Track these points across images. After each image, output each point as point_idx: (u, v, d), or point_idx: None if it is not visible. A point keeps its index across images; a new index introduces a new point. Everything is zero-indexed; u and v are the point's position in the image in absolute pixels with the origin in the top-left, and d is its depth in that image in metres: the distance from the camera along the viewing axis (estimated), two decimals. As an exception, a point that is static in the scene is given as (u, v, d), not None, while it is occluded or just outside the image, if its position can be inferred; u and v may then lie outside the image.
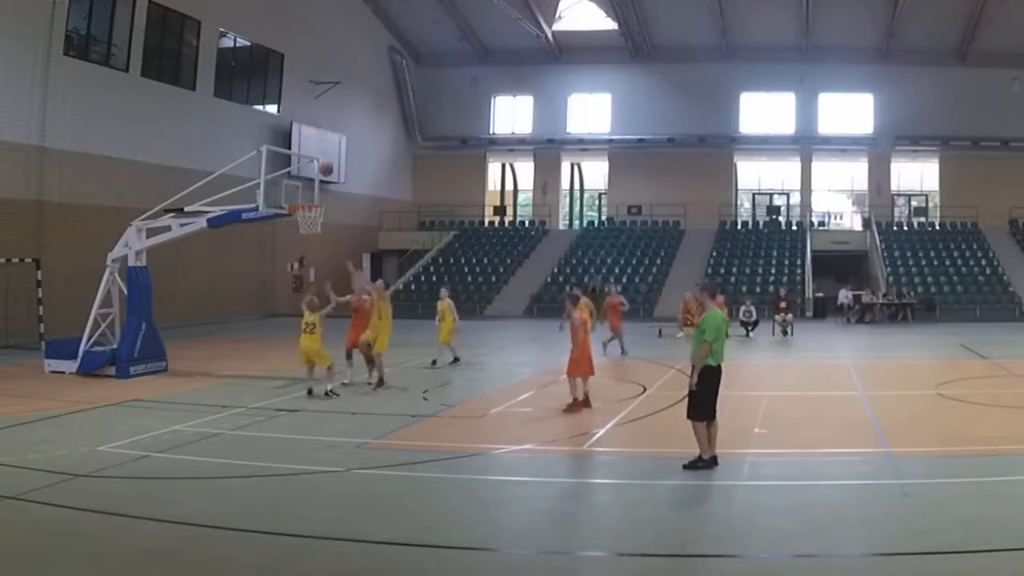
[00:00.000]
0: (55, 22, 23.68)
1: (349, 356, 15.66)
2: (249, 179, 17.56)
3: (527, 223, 43.10)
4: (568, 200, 45.28)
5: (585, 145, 42.98)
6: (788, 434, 11.34)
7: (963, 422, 12.17)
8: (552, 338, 24.43)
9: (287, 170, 20.51)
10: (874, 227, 38.00)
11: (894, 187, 41.20)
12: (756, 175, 43.58)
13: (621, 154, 42.15)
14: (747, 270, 36.07)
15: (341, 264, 37.89)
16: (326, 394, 14.11)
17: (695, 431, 9.51)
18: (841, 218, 43.75)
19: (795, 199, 42.18)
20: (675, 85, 40.50)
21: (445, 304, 18.50)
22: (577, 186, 45.55)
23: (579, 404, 13.02)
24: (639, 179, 41.15)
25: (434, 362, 18.06)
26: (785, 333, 25.53)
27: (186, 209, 17.57)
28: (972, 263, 35.32)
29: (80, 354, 16.93)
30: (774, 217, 41.47)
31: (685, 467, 9.40)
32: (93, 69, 25.32)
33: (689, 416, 9.55)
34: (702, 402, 9.43)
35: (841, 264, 36.65)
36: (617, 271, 36.27)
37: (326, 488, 9.04)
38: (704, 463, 9.43)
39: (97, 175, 24.88)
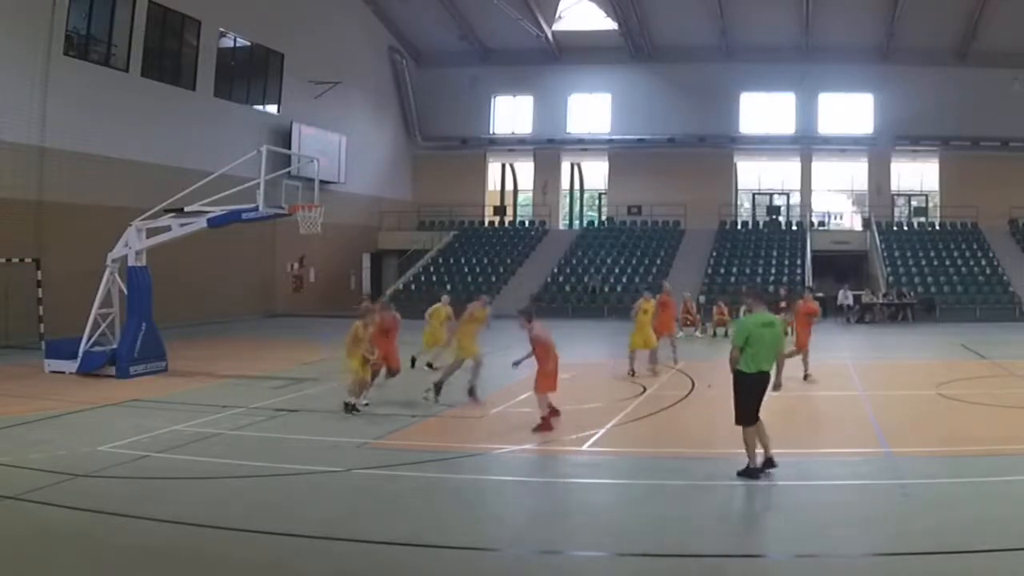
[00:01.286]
0: (55, 22, 23.69)
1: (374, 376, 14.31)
2: (249, 179, 17.56)
3: (527, 223, 43.09)
4: (568, 200, 45.28)
5: (585, 145, 42.96)
6: (788, 434, 11.33)
7: (963, 422, 12.17)
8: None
9: (287, 170, 20.51)
10: (874, 227, 37.99)
11: (894, 187, 41.18)
12: (756, 175, 43.57)
13: (621, 154, 42.14)
14: (747, 270, 36.05)
15: (341, 264, 38.06)
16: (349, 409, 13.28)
17: (743, 437, 9.14)
18: (841, 218, 43.76)
19: (795, 199, 42.16)
20: (675, 85, 40.49)
21: (449, 310, 17.56)
22: (577, 186, 45.55)
23: (549, 420, 11.82)
24: (639, 179, 41.13)
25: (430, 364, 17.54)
26: (785, 333, 25.47)
27: (186, 209, 17.57)
28: (972, 263, 35.30)
29: (80, 354, 16.92)
30: (774, 217, 41.46)
31: (739, 473, 9.09)
32: (93, 69, 25.32)
33: (736, 422, 9.22)
34: (738, 407, 9.13)
35: (841, 264, 36.65)
36: (617, 271, 36.30)
37: (326, 488, 9.04)
38: (750, 472, 9.05)
39: (97, 175, 24.87)
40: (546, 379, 11.94)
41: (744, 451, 9.13)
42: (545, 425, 11.69)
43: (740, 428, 9.11)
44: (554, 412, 12.01)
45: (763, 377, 9.14)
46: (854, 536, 7.39)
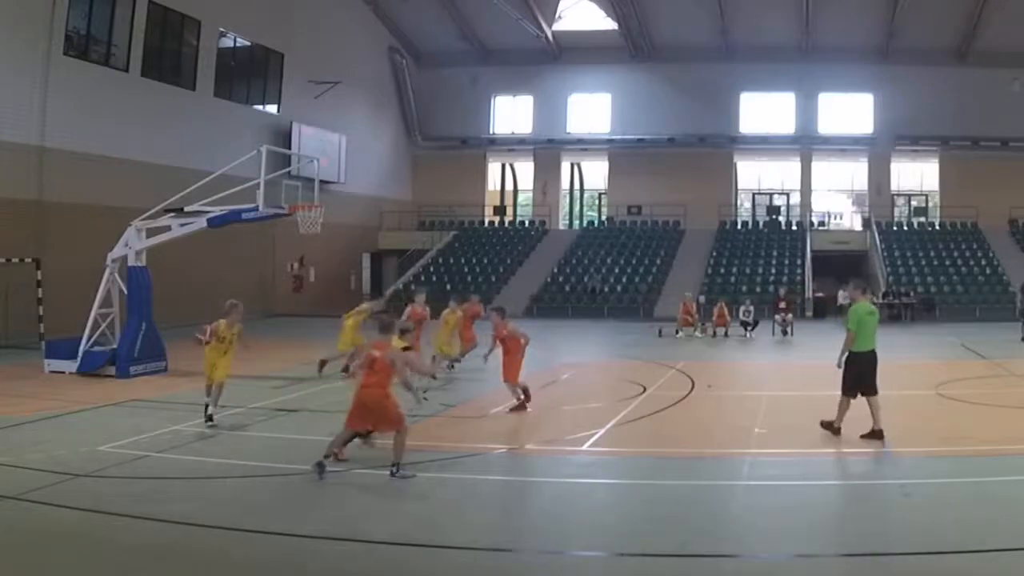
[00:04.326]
0: (55, 22, 23.68)
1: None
2: (249, 179, 17.57)
3: (527, 223, 43.08)
4: (568, 200, 45.28)
5: (585, 145, 42.96)
6: (788, 434, 11.34)
7: (963, 422, 12.17)
8: (552, 338, 24.45)
9: (287, 170, 20.53)
10: (874, 227, 38.00)
11: (894, 187, 41.18)
12: (756, 175, 43.57)
13: (621, 154, 42.14)
14: (747, 270, 36.06)
15: (341, 264, 37.98)
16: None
17: (839, 403, 10.97)
18: (841, 218, 43.71)
19: (795, 199, 42.17)
20: (675, 85, 40.49)
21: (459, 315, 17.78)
22: (577, 186, 45.55)
23: (524, 404, 13.29)
24: (639, 179, 41.13)
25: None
26: (785, 333, 25.54)
27: (186, 209, 17.59)
28: (972, 263, 35.30)
29: (80, 354, 16.92)
30: (774, 217, 41.45)
31: (822, 424, 11.07)
32: (93, 69, 25.31)
33: (843, 393, 11.00)
34: (845, 381, 10.94)
35: (841, 264, 36.61)
36: (617, 271, 36.29)
37: (326, 488, 9.04)
38: (834, 430, 10.91)
39: (97, 175, 24.85)
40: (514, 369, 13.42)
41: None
42: (521, 406, 13.18)
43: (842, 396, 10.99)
44: (527, 396, 13.42)
45: (873, 355, 11.01)
46: (854, 536, 7.39)
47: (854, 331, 10.91)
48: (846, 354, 10.96)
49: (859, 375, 10.84)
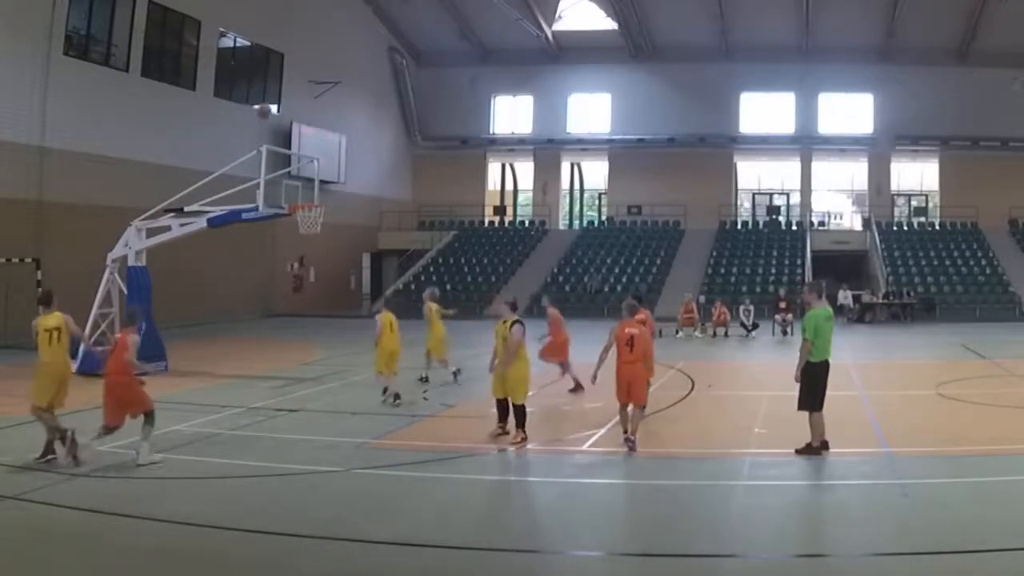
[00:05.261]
0: (55, 22, 23.70)
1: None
2: (249, 179, 17.59)
3: (527, 223, 43.09)
4: (568, 200, 45.28)
5: (585, 145, 42.97)
6: (788, 434, 11.32)
7: (963, 422, 12.17)
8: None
9: (287, 170, 20.54)
10: (874, 227, 38.00)
11: (894, 187, 41.20)
12: (756, 175, 43.58)
13: (621, 154, 42.14)
14: (747, 270, 36.06)
15: (341, 264, 37.95)
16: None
17: (808, 420, 10.08)
18: (841, 218, 43.75)
19: (795, 199, 42.18)
20: (675, 85, 40.49)
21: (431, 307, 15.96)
22: (577, 186, 45.55)
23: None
24: (639, 179, 41.14)
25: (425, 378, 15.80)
26: (785, 333, 25.53)
27: (186, 209, 17.60)
28: (972, 263, 35.31)
29: (80, 354, 16.90)
30: (774, 217, 41.47)
31: (797, 451, 10.04)
32: (93, 69, 25.33)
33: (799, 407, 10.20)
34: (805, 395, 10.09)
35: (841, 264, 36.61)
36: (617, 271, 36.28)
37: (326, 488, 9.04)
38: (813, 449, 10.01)
39: (97, 175, 24.85)
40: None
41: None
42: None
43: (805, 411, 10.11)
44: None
45: (827, 365, 10.13)
46: (854, 536, 7.39)
47: (812, 340, 10.03)
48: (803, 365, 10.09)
49: (818, 387, 10.00)
